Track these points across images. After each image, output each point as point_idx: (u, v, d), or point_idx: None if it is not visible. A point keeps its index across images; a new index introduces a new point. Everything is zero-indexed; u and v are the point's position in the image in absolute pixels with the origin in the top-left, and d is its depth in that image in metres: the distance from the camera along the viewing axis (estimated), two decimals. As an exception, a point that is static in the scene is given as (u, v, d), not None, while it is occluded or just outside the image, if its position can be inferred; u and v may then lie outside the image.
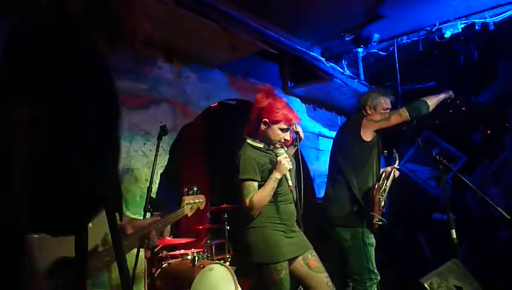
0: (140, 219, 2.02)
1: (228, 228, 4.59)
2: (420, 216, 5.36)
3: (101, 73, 1.36)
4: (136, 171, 3.26)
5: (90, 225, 1.36)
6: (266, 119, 2.53)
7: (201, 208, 2.39)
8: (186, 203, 2.27)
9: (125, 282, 0.98)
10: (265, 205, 2.44)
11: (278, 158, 2.43)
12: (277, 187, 2.46)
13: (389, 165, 3.23)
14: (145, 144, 3.33)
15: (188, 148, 4.82)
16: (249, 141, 2.59)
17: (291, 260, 2.50)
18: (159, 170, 3.36)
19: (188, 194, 2.34)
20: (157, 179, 3.32)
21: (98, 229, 1.46)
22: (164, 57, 3.55)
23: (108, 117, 1.32)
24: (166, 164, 3.48)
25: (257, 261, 2.44)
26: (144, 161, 3.32)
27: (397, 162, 3.24)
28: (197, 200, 2.36)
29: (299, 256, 2.52)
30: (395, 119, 2.99)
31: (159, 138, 3.11)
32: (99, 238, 1.51)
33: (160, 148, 3.12)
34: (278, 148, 2.58)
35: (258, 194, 2.42)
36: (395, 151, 3.32)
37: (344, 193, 3.03)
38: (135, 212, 3.14)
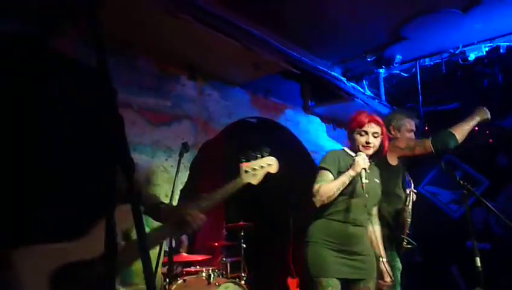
0: (182, 205, 1.75)
1: (244, 245, 4.57)
2: (447, 243, 5.24)
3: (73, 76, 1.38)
4: (157, 187, 3.30)
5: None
6: (349, 130, 2.70)
7: (272, 171, 1.99)
8: (245, 171, 1.89)
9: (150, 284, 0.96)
10: (330, 198, 2.49)
11: (356, 157, 2.52)
12: (342, 206, 2.52)
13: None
14: (166, 159, 3.38)
15: (208, 165, 4.85)
16: (344, 148, 2.77)
17: (351, 283, 2.53)
18: (179, 186, 3.39)
19: (246, 160, 1.93)
20: (176, 196, 3.34)
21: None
22: (187, 74, 3.62)
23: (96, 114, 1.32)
24: (186, 180, 3.51)
25: (308, 273, 2.53)
26: (164, 177, 3.35)
27: (412, 185, 3.20)
28: (261, 164, 1.94)
29: (358, 281, 2.53)
30: (419, 150, 2.95)
31: (181, 155, 3.15)
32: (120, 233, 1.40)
33: (181, 165, 3.16)
34: None
35: (327, 184, 2.51)
36: (408, 175, 3.28)
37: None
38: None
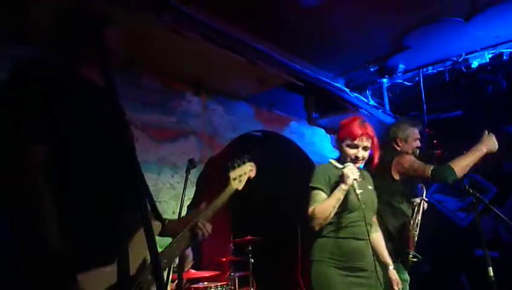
0: (185, 216, 1.87)
1: (252, 260, 4.54)
2: (455, 251, 5.20)
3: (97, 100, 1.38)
4: (164, 204, 3.29)
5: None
6: (338, 138, 2.55)
7: (252, 175, 2.15)
8: (233, 179, 2.05)
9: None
10: (328, 218, 2.37)
11: (343, 170, 2.39)
12: (341, 223, 2.41)
13: (416, 197, 3.17)
14: (173, 176, 3.37)
15: (213, 180, 4.83)
16: (331, 160, 2.61)
17: None
18: (186, 202, 3.38)
19: (233, 168, 2.08)
20: (184, 212, 3.32)
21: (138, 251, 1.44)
22: (192, 90, 3.64)
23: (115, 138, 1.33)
24: (193, 196, 3.50)
25: None
26: (171, 193, 3.35)
27: (424, 193, 3.17)
28: (244, 171, 2.12)
29: None
30: (419, 173, 2.88)
31: (187, 171, 3.14)
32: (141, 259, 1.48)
33: (187, 181, 3.14)
34: None
35: (321, 205, 2.38)
36: (421, 183, 3.25)
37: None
38: (162, 245, 3.14)
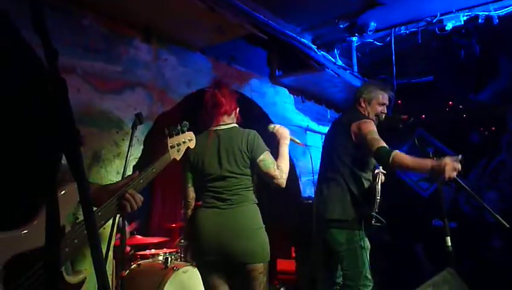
0: (113, 183, 1.73)
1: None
2: (415, 221, 5.43)
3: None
4: (107, 163, 3.19)
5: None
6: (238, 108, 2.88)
7: (192, 146, 2.19)
8: (171, 146, 2.00)
9: (101, 273, 0.89)
10: None
11: (276, 128, 2.84)
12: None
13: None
14: (117, 132, 3.25)
15: (164, 139, 4.74)
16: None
17: None
18: (132, 162, 3.29)
19: (171, 135, 2.03)
20: (129, 172, 3.24)
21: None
22: (142, 36, 3.46)
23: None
24: (140, 155, 3.41)
25: (264, 259, 2.56)
26: (115, 152, 3.24)
27: (381, 167, 3.26)
28: (183, 140, 2.10)
29: None
30: (369, 146, 2.92)
31: (134, 127, 3.05)
32: (64, 217, 1.38)
33: (134, 138, 3.05)
34: None
35: (285, 162, 2.65)
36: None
37: (343, 194, 3.03)
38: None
